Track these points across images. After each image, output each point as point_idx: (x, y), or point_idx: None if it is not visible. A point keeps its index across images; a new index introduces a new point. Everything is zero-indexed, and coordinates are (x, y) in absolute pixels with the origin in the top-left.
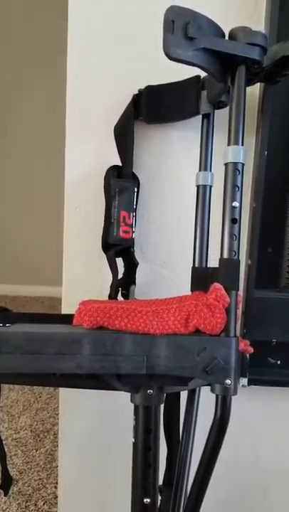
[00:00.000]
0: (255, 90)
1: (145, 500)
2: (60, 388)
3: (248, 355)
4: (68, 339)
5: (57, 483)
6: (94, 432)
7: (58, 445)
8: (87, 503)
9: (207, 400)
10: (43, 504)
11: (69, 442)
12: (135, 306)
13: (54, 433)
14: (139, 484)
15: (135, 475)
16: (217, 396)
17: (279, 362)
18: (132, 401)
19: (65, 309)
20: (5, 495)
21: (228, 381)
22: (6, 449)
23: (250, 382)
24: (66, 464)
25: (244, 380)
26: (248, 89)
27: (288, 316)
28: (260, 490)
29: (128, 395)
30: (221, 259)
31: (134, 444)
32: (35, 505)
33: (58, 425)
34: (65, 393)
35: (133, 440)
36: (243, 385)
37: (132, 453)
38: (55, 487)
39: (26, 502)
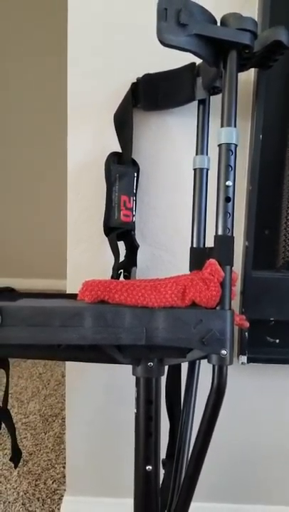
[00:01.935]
0: (249, 77)
1: (147, 467)
2: (67, 374)
3: (246, 333)
4: (71, 312)
5: (65, 463)
6: (99, 413)
7: (65, 428)
8: (94, 480)
9: (207, 376)
10: (52, 483)
11: (76, 425)
12: (134, 282)
13: (62, 417)
14: (142, 453)
15: (138, 444)
16: (214, 366)
17: (277, 341)
18: (133, 374)
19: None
20: (15, 467)
21: (223, 351)
22: (16, 433)
23: (250, 360)
24: (73, 444)
25: (244, 358)
26: (243, 75)
27: (285, 295)
28: (259, 464)
29: (130, 377)
30: (216, 236)
31: (136, 415)
32: (45, 483)
33: (65, 410)
34: (71, 379)
35: (135, 411)
36: (242, 363)
37: (135, 423)
38: (64, 467)
39: (36, 481)
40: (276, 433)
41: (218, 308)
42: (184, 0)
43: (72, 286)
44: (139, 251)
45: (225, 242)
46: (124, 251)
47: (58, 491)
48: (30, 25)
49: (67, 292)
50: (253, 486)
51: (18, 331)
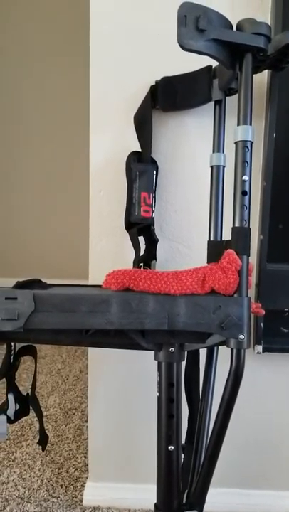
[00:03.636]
0: (263, 78)
1: (170, 447)
2: (90, 364)
3: (262, 324)
4: (98, 299)
5: (86, 453)
6: (119, 402)
7: (86, 421)
8: (115, 466)
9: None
10: (74, 471)
11: (97, 413)
12: (157, 271)
13: (82, 410)
14: (164, 433)
15: (160, 425)
16: (232, 350)
17: None
18: (155, 359)
19: None
20: (42, 450)
21: (241, 336)
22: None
23: (265, 350)
24: (95, 431)
25: (259, 348)
26: (257, 77)
27: None
28: (274, 451)
29: (149, 368)
30: (233, 228)
31: (159, 398)
32: (67, 472)
33: (84, 403)
34: (93, 369)
35: (157, 394)
36: (258, 352)
37: (157, 406)
38: (85, 457)
39: (59, 469)
40: None
41: (235, 295)
42: (203, 7)
43: (94, 279)
44: (158, 245)
45: (242, 233)
46: (144, 245)
47: (80, 479)
48: (53, 28)
49: (90, 282)
50: (266, 472)
51: (50, 316)
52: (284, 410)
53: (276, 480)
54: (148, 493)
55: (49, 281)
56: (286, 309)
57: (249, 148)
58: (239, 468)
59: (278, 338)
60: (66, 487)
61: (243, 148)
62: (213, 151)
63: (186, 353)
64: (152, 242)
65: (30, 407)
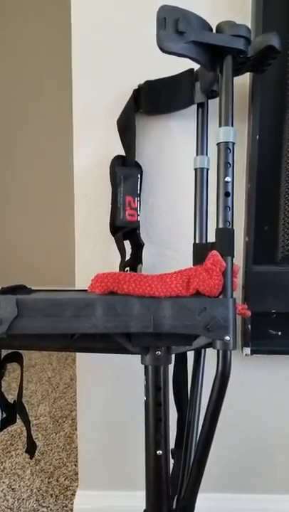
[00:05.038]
0: (245, 80)
1: (158, 452)
2: (78, 371)
3: (250, 326)
4: (83, 303)
5: (77, 461)
6: (108, 409)
7: (76, 428)
8: (105, 474)
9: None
10: (64, 480)
11: (87, 421)
12: (141, 274)
13: (72, 418)
14: (152, 438)
15: (147, 430)
16: (218, 351)
17: (280, 333)
18: (142, 362)
19: None
20: (30, 458)
21: (227, 337)
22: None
23: (253, 352)
24: (85, 439)
25: (247, 350)
26: (239, 79)
27: (285, 288)
28: (264, 453)
29: (138, 373)
30: (217, 229)
31: (146, 402)
32: (57, 480)
33: (75, 411)
34: (82, 376)
35: (144, 398)
36: (246, 354)
37: (144, 410)
38: (75, 465)
39: (49, 478)
40: (279, 422)
41: (220, 296)
42: (182, 9)
43: (81, 284)
44: (144, 249)
45: (226, 234)
46: (130, 249)
47: (70, 488)
48: (36, 37)
49: (76, 287)
50: (257, 476)
51: (34, 321)
52: (273, 412)
53: (270, 484)
54: (139, 501)
55: (36, 288)
56: (273, 311)
57: (231, 149)
58: (232, 472)
59: (266, 340)
60: (56, 496)
61: (225, 149)
62: (197, 154)
63: (173, 356)
64: (138, 246)
65: (18, 415)
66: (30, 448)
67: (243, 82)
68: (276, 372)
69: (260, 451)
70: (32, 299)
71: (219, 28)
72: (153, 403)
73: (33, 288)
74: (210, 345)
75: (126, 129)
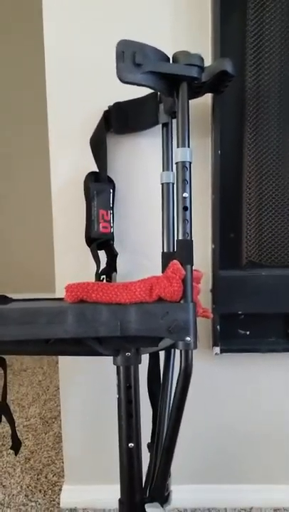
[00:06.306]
0: (207, 100)
1: (130, 445)
2: (60, 372)
3: (218, 327)
4: (56, 311)
5: None
6: (91, 408)
7: (61, 423)
8: (90, 469)
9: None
10: (53, 476)
11: (71, 419)
12: (108, 283)
13: (61, 419)
14: (124, 432)
15: (120, 425)
16: (181, 351)
17: (248, 332)
18: (114, 363)
19: None
20: (15, 454)
21: (188, 338)
22: (18, 434)
23: (223, 351)
24: (70, 436)
25: (217, 349)
26: (201, 99)
27: (250, 291)
28: (236, 446)
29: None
30: (177, 240)
31: (118, 399)
32: (46, 477)
33: (60, 406)
34: (64, 377)
35: (117, 396)
36: (216, 353)
37: (117, 407)
38: (63, 462)
39: (38, 475)
40: (250, 417)
41: (181, 301)
42: (139, 43)
43: (61, 293)
44: (119, 258)
45: (185, 245)
46: (105, 259)
47: (58, 483)
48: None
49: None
50: (232, 468)
51: (9, 329)
52: (243, 406)
53: (244, 474)
54: None
55: (19, 296)
56: (240, 312)
57: (188, 167)
58: (208, 464)
59: (236, 340)
60: (45, 491)
61: (183, 168)
62: (163, 170)
63: (141, 356)
64: (112, 256)
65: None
66: (15, 445)
67: (204, 100)
68: (246, 369)
69: (233, 444)
70: (7, 309)
71: (175, 58)
72: (124, 400)
73: (20, 296)
74: (174, 345)
75: (98, 147)
